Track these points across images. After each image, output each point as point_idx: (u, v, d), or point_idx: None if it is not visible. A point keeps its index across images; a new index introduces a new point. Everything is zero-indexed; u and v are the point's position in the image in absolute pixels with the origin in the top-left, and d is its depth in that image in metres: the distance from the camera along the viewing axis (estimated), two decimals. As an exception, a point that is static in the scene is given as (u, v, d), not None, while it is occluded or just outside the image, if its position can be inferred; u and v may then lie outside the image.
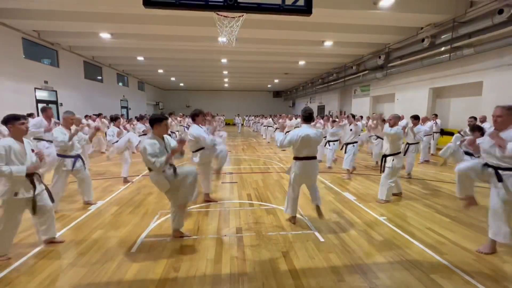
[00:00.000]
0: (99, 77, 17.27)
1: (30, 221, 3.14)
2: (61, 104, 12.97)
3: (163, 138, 2.96)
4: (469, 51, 8.63)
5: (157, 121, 2.87)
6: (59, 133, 3.80)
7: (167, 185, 2.91)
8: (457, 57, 9.10)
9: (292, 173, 3.44)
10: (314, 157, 3.43)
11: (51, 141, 4.77)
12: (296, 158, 3.41)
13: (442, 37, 9.37)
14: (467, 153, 4.58)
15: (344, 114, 18.30)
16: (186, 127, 11.38)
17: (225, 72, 20.24)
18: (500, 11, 7.12)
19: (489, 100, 8.50)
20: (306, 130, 3.31)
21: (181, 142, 3.00)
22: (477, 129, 4.03)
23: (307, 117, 3.37)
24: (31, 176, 2.71)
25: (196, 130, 4.03)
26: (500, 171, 2.71)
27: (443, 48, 9.44)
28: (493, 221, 2.79)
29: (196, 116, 4.11)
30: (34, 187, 2.72)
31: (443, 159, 4.93)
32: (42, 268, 2.58)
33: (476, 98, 9.41)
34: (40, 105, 11.47)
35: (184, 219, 3.27)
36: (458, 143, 4.66)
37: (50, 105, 12.47)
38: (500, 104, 2.82)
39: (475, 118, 6.63)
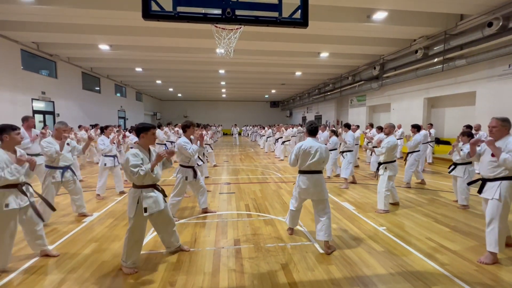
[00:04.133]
0: (97, 88, 17.34)
1: (20, 234, 3.05)
2: (58, 115, 12.94)
3: (149, 150, 2.74)
4: (461, 62, 8.85)
5: (144, 130, 2.66)
6: (48, 144, 3.69)
7: (131, 212, 2.61)
8: (449, 68, 9.32)
9: (297, 186, 3.33)
10: (319, 172, 3.23)
11: (37, 155, 4.61)
12: (300, 172, 3.30)
13: (435, 48, 9.62)
14: (455, 164, 4.66)
15: (341, 124, 18.47)
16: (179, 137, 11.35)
17: (223, 83, 20.44)
18: (490, 24, 7.36)
19: (483, 109, 8.65)
20: (310, 143, 3.21)
21: (170, 153, 2.81)
22: (467, 134, 4.34)
23: (312, 131, 3.28)
24: (21, 186, 2.68)
25: (180, 141, 3.97)
26: (487, 183, 2.86)
27: (436, 59, 9.68)
28: (487, 232, 2.86)
29: (187, 128, 4.07)
30: (26, 196, 2.68)
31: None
32: (33, 284, 2.49)
33: (470, 108, 9.58)
34: (37, 116, 11.53)
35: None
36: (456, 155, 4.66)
37: (46, 115, 12.48)
38: (493, 113, 2.94)
39: (469, 127, 6.77)
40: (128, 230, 2.67)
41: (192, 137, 4.15)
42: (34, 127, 5.17)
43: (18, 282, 2.52)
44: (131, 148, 7.08)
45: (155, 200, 2.69)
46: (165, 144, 9.44)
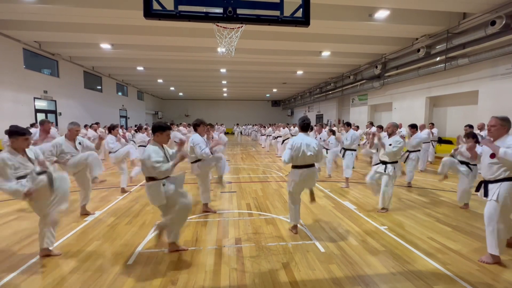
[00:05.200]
0: (99, 87, 17.39)
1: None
2: (60, 114, 12.99)
3: (162, 147, 2.99)
4: (463, 61, 8.79)
5: (160, 130, 2.90)
6: (65, 146, 3.80)
7: (162, 200, 2.84)
8: (452, 67, 9.26)
9: (292, 181, 3.44)
10: (312, 165, 3.45)
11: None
12: (294, 167, 3.42)
13: (437, 47, 9.56)
14: (462, 162, 4.61)
15: (342, 123, 18.43)
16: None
17: (224, 82, 20.43)
18: (493, 23, 7.30)
19: (485, 109, 8.59)
20: (302, 138, 3.35)
21: (181, 143, 3.09)
22: (471, 136, 4.18)
23: (304, 126, 3.41)
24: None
25: (196, 138, 4.03)
26: (489, 185, 2.82)
27: (438, 58, 9.62)
28: (487, 234, 2.85)
29: (198, 126, 4.16)
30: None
31: (442, 176, 4.87)
32: (36, 282, 2.50)
33: (472, 107, 9.52)
34: (39, 115, 11.58)
35: (181, 231, 3.20)
36: (452, 152, 4.68)
37: (48, 114, 12.53)
38: (496, 112, 2.92)
39: (471, 126, 6.69)
40: (175, 211, 2.84)
41: (205, 137, 4.22)
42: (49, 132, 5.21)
43: (20, 281, 2.54)
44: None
45: (172, 187, 2.89)
46: None
